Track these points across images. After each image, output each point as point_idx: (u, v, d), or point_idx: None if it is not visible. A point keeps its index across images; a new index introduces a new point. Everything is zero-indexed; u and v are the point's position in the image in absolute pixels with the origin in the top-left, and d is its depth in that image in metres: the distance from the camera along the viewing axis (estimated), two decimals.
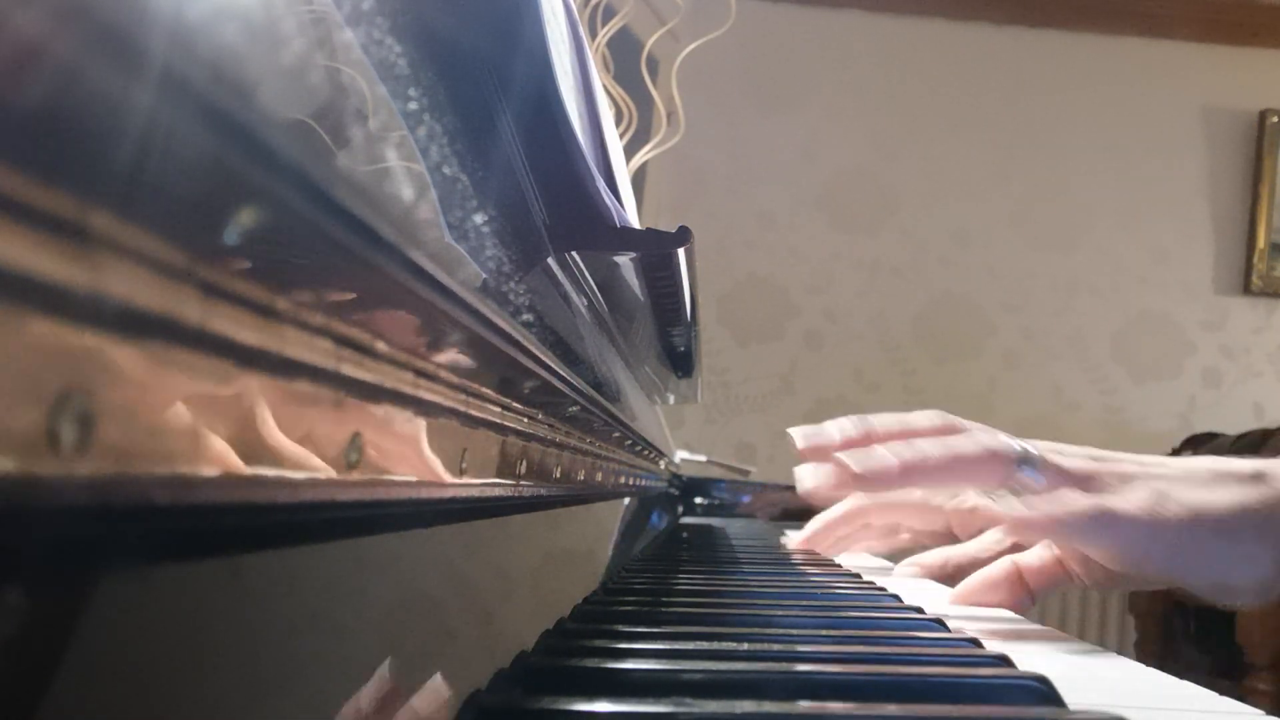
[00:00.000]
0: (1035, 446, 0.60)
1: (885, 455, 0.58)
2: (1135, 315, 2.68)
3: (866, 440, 0.61)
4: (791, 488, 1.01)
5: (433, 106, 0.27)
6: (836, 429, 0.62)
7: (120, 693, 0.13)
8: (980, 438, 0.60)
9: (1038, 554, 0.63)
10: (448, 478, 0.25)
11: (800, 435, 0.63)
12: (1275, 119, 2.66)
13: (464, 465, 0.26)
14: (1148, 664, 0.47)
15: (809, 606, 0.52)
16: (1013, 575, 0.63)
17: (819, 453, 0.61)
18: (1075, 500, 0.55)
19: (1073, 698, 0.31)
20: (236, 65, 0.13)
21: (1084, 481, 0.58)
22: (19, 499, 0.10)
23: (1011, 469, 0.58)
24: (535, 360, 0.30)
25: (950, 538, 0.81)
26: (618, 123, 1.15)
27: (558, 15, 0.44)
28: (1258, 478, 0.59)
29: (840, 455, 0.59)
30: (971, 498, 0.71)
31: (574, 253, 0.45)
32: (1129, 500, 0.56)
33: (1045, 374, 2.65)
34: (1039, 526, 0.55)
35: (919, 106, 2.67)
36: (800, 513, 1.23)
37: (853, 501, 0.86)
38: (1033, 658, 0.43)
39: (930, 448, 0.59)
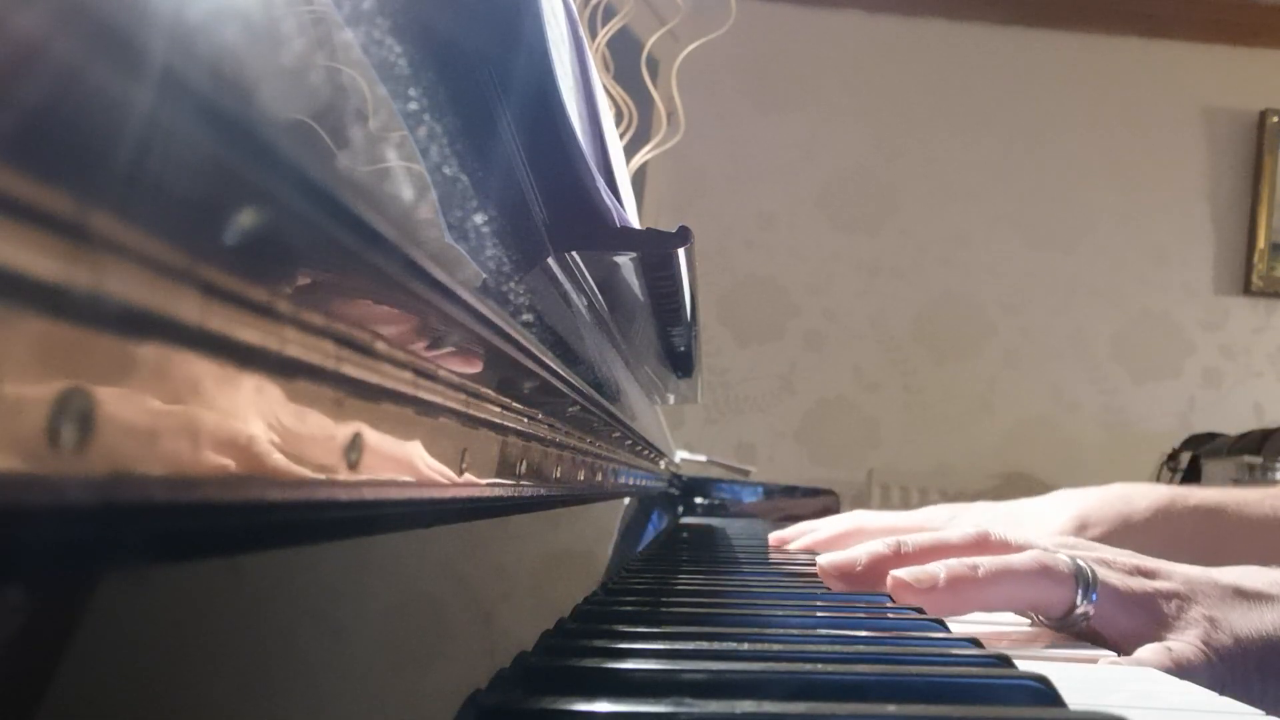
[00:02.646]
0: (1084, 561, 0.54)
1: (932, 569, 0.53)
2: (1135, 315, 2.68)
3: (898, 561, 0.56)
4: (792, 489, 1.00)
5: (433, 106, 0.27)
6: (865, 552, 0.57)
7: (120, 693, 0.13)
8: (1033, 553, 0.54)
9: None
10: (448, 478, 0.25)
11: (827, 564, 0.58)
12: (1275, 119, 2.66)
13: (464, 465, 0.26)
14: None
15: (809, 606, 0.52)
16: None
17: (846, 578, 0.57)
18: (1151, 658, 0.50)
19: (1073, 698, 0.31)
20: (236, 65, 0.13)
21: (1139, 609, 0.53)
22: (19, 499, 0.10)
23: (1071, 592, 0.53)
24: (535, 360, 0.30)
25: None
26: (618, 123, 1.15)
27: (558, 15, 0.44)
28: None
29: (892, 569, 0.54)
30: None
31: (574, 253, 0.45)
32: (1187, 641, 0.51)
33: (1045, 374, 2.65)
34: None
35: (919, 106, 2.67)
36: (801, 517, 1.23)
37: (851, 523, 0.86)
38: (1032, 657, 0.43)
39: (980, 562, 0.53)
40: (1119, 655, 0.51)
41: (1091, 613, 0.52)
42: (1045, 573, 0.53)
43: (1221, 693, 0.48)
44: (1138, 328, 2.67)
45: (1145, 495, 0.82)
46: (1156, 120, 2.69)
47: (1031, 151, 2.68)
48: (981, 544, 0.57)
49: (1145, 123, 2.69)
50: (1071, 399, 2.64)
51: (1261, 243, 2.66)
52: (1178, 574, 0.55)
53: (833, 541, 0.84)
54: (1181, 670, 0.50)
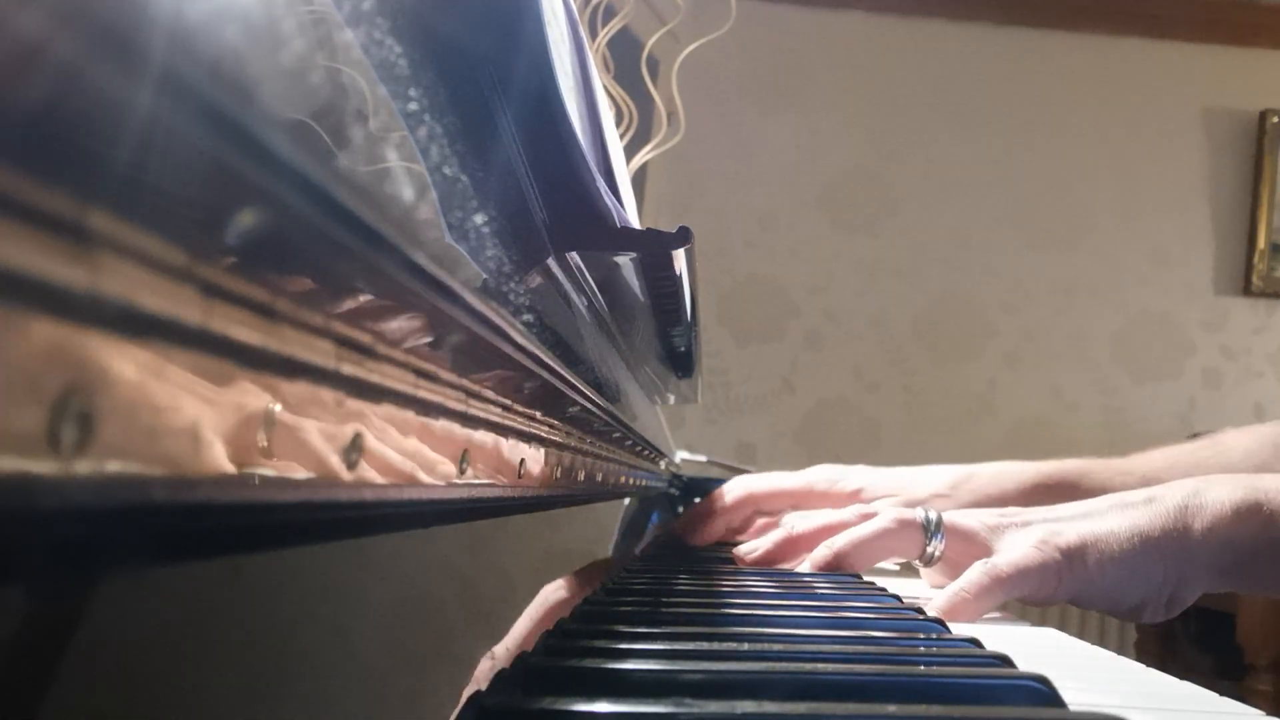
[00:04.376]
0: (932, 510, 0.68)
1: (823, 551, 0.68)
2: (1135, 315, 2.68)
3: (794, 545, 0.72)
4: None
5: (433, 107, 0.27)
6: (770, 541, 0.73)
7: (120, 692, 0.13)
8: (891, 513, 0.69)
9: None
10: (448, 478, 0.25)
11: (743, 553, 0.75)
12: (1275, 119, 2.66)
13: (464, 465, 0.26)
14: (1148, 664, 0.47)
15: (808, 607, 0.52)
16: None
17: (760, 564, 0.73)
18: (976, 579, 0.60)
19: (1073, 698, 0.31)
20: (236, 66, 0.13)
21: (983, 536, 0.65)
22: (19, 499, 0.10)
23: (921, 536, 0.67)
24: (535, 360, 0.30)
25: None
26: (618, 123, 1.15)
27: (558, 15, 0.44)
28: (1149, 501, 0.64)
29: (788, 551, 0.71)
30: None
31: (574, 253, 0.45)
32: (1019, 547, 0.62)
33: (1045, 374, 2.65)
34: (963, 611, 0.59)
35: (919, 106, 2.67)
36: None
37: (741, 491, 0.93)
38: (1032, 657, 0.43)
39: (857, 531, 0.68)
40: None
41: (940, 550, 0.66)
42: (898, 527, 0.67)
43: (1073, 585, 0.61)
44: (1138, 328, 2.67)
45: (1019, 473, 0.93)
46: (1156, 120, 2.69)
47: (1031, 151, 2.67)
48: (863, 517, 0.71)
49: (1145, 123, 2.68)
50: (1071, 399, 2.64)
51: (1261, 243, 2.66)
52: (1032, 512, 0.67)
53: (728, 511, 0.93)
54: (1019, 570, 0.61)
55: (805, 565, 0.69)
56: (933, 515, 0.67)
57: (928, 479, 0.91)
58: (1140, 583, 0.62)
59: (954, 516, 0.67)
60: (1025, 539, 0.63)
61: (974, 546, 0.65)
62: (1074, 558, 0.61)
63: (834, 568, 0.68)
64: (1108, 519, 0.63)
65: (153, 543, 0.13)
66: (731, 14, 1.38)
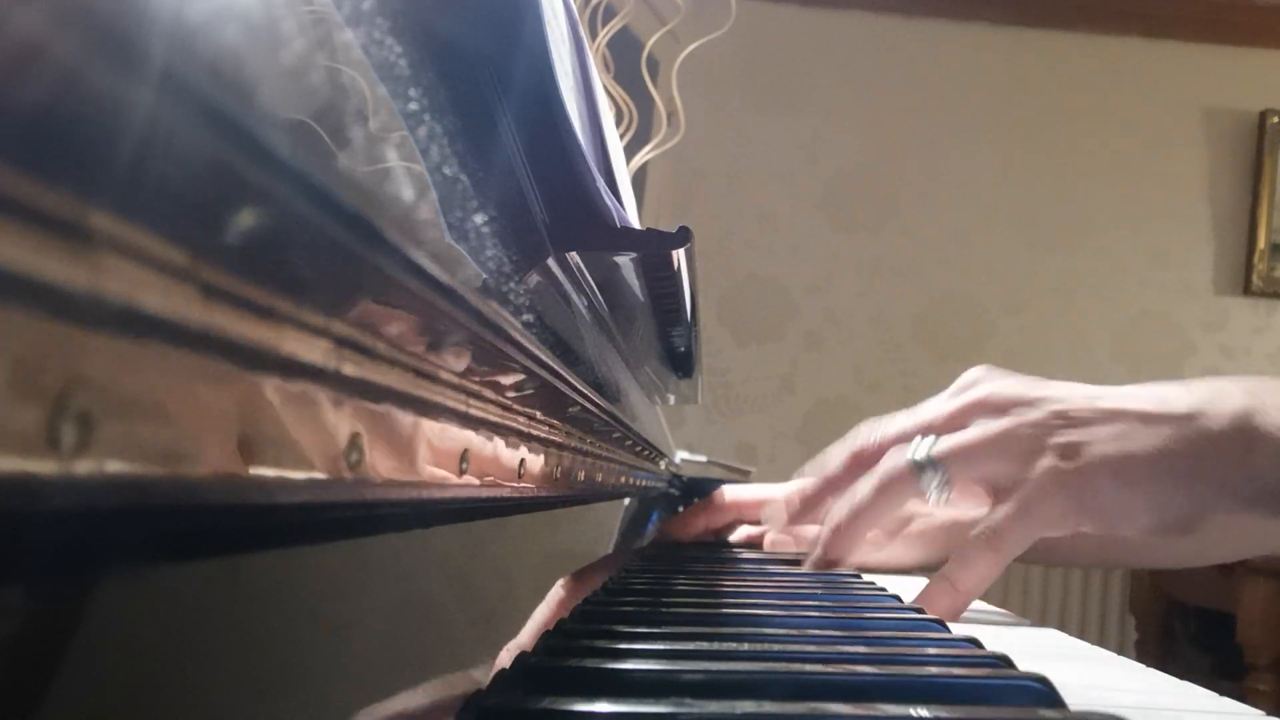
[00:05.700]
0: (927, 450, 0.61)
1: (817, 551, 0.65)
2: (1135, 315, 2.68)
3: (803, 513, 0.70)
4: None
5: (433, 107, 0.27)
6: (773, 517, 0.71)
7: (120, 693, 0.13)
8: (871, 479, 0.63)
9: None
10: (448, 478, 0.25)
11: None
12: (1275, 119, 2.66)
13: (464, 465, 0.26)
14: (1148, 664, 0.47)
15: (809, 606, 0.52)
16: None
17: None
18: (966, 571, 0.56)
19: (1073, 698, 0.31)
20: (236, 66, 0.13)
21: (991, 455, 0.59)
22: (19, 499, 0.10)
23: (917, 481, 0.60)
24: (535, 360, 0.30)
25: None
26: (618, 123, 1.15)
27: (558, 15, 0.44)
28: (1191, 418, 0.56)
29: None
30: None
31: (574, 253, 0.45)
32: (1034, 484, 0.56)
33: (1045, 374, 2.63)
34: (957, 602, 0.56)
35: (919, 106, 2.67)
36: None
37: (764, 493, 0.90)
38: (1032, 657, 0.43)
39: (837, 516, 0.64)
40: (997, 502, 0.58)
41: (944, 480, 0.59)
42: (889, 485, 0.61)
43: (1082, 511, 0.55)
44: (1138, 328, 2.67)
45: None
46: (1156, 120, 2.69)
47: (1031, 151, 2.67)
48: (857, 461, 0.67)
49: (1145, 123, 2.69)
50: None
51: (1261, 243, 2.66)
52: (1051, 399, 0.60)
53: (754, 506, 0.89)
54: (1030, 525, 0.55)
55: (806, 566, 0.68)
56: (921, 454, 0.60)
57: None
58: (1155, 507, 0.55)
59: (957, 442, 0.60)
60: (1040, 465, 0.56)
61: (982, 468, 0.59)
62: (1085, 490, 0.55)
63: (830, 561, 0.65)
64: (1137, 437, 0.56)
65: (153, 543, 0.13)
66: (731, 14, 1.38)
